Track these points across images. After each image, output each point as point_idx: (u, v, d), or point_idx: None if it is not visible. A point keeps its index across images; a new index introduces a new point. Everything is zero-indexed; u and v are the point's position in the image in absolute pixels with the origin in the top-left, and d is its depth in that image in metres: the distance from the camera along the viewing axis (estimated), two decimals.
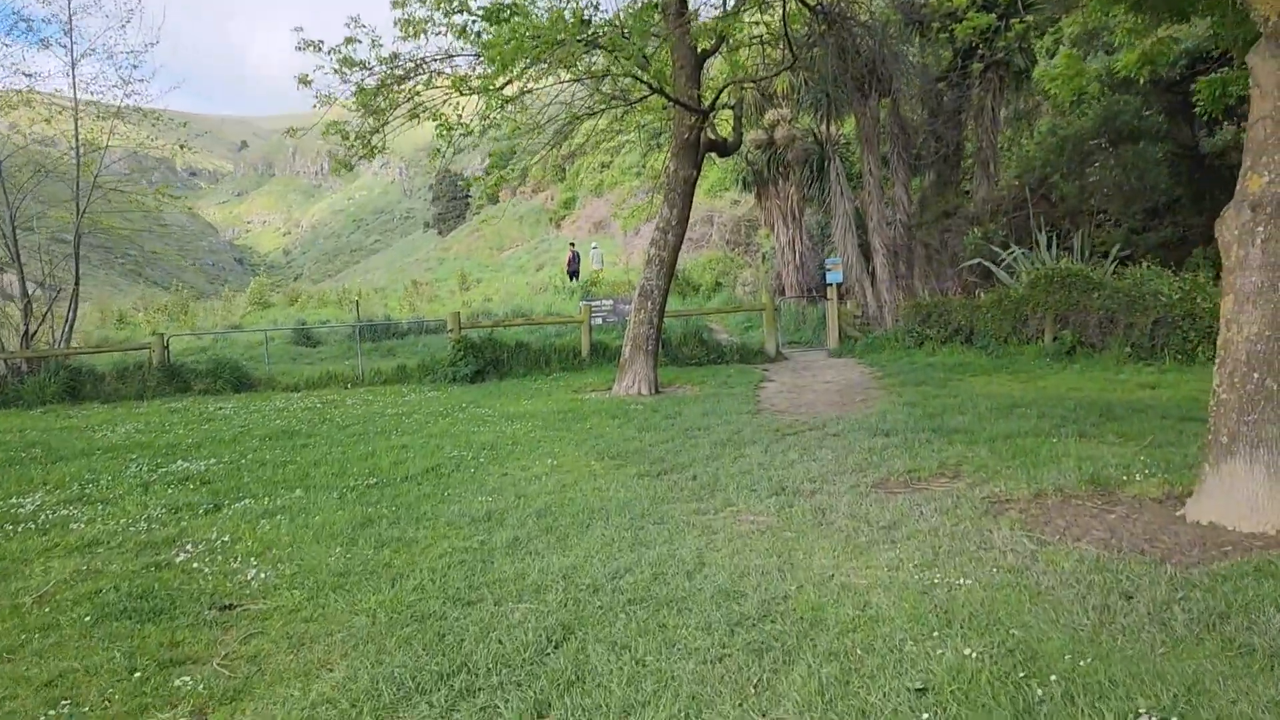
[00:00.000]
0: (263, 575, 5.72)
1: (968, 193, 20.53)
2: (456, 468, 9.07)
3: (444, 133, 14.98)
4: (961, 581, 4.88)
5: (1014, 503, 6.66)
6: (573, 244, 40.23)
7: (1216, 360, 6.11)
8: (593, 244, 41.92)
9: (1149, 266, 14.81)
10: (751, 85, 24.21)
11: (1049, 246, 16.58)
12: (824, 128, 21.47)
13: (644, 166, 66.18)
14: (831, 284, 19.96)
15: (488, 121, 15.27)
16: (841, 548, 5.67)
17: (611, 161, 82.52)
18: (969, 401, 11.39)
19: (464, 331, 18.10)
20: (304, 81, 14.70)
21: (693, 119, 14.46)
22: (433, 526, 6.76)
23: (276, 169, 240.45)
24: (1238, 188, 6.04)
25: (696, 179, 15.16)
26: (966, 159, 20.85)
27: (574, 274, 35.24)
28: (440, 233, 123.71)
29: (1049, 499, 6.72)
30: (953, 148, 19.99)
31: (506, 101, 14.81)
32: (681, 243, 15.30)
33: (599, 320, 20.93)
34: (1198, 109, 11.00)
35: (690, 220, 37.87)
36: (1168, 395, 11.17)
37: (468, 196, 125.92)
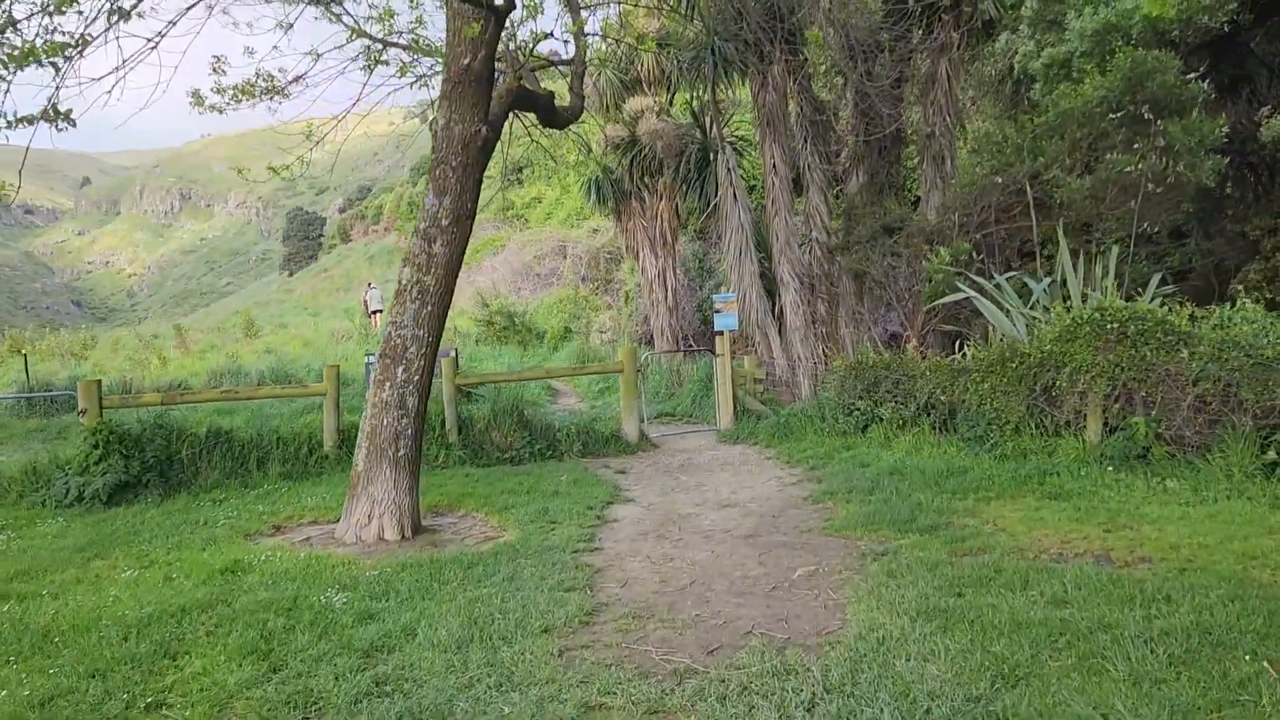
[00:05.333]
0: None
1: (915, 201, 14.56)
2: None
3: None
4: None
5: None
6: (372, 284, 32.89)
7: None
8: (369, 283, 34.07)
9: (1249, 305, 8.83)
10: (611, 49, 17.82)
11: (1076, 272, 10.48)
12: (708, 106, 15.06)
13: (505, 199, 59.62)
14: (722, 331, 13.49)
15: None
16: None
17: None
18: (1061, 606, 5.00)
19: (112, 412, 10.75)
20: None
21: (479, 27, 7.80)
22: None
23: (123, 207, 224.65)
24: None
25: (490, 143, 8.44)
26: (909, 152, 14.86)
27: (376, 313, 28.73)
28: (290, 273, 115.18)
29: None
30: (890, 138, 14.00)
31: None
32: (463, 255, 8.48)
33: None
34: None
35: (538, 251, 31.10)
36: None
37: (320, 236, 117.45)
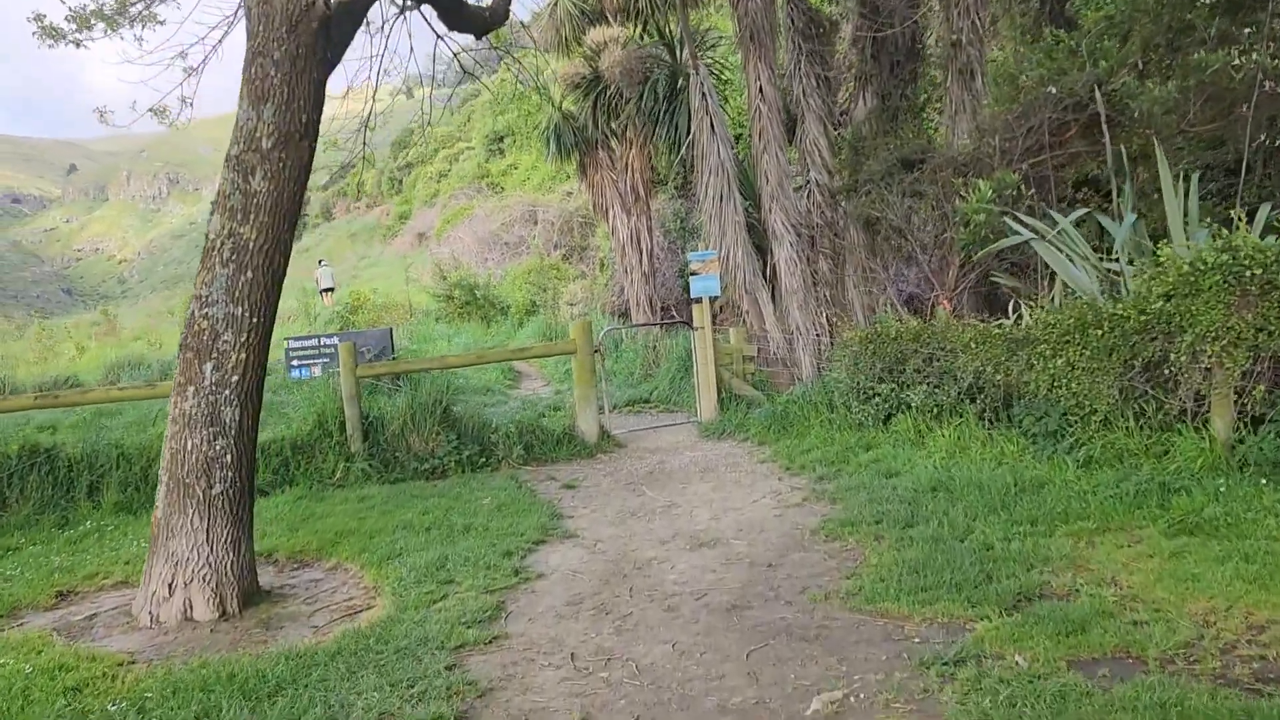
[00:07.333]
0: None
1: (935, 129, 11.88)
2: None
3: None
4: None
5: None
6: (322, 260, 31.33)
7: None
8: (320, 260, 32.74)
9: None
10: None
11: (1182, 206, 7.82)
12: (679, 17, 12.25)
13: (482, 168, 56.80)
14: (701, 298, 10.85)
15: None
16: None
17: (450, 169, 73.64)
18: None
19: None
20: None
21: None
22: None
23: (110, 193, 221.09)
24: None
25: (339, 28, 5.75)
26: (929, 70, 12.12)
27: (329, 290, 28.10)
28: None
29: None
30: (905, 50, 11.31)
31: None
32: (300, 194, 5.77)
33: (304, 374, 11.84)
34: None
35: (506, 218, 28.24)
36: None
37: (304, 215, 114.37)
